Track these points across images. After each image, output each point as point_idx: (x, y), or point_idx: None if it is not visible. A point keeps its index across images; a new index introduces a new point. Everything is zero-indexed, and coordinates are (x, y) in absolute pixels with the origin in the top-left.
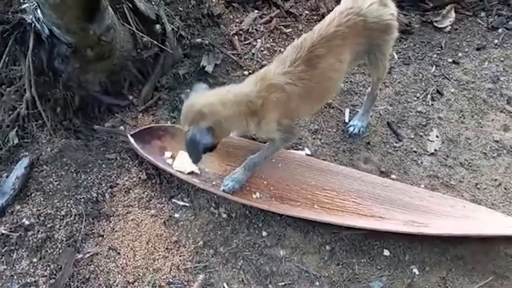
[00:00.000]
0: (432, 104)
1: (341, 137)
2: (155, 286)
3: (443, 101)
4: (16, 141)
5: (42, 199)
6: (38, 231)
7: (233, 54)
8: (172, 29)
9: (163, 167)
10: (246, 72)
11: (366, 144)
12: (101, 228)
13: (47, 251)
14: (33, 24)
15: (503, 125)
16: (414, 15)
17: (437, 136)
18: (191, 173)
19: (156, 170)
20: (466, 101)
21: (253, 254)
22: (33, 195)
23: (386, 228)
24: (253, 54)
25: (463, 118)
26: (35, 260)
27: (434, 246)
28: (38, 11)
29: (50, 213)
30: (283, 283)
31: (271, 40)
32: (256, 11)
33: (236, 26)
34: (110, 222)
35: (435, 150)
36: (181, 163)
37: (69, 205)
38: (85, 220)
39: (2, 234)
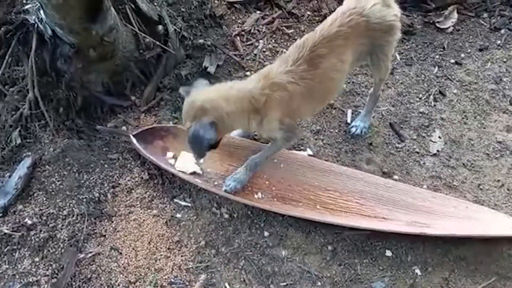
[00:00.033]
0: (434, 105)
1: (343, 138)
2: (157, 286)
3: (446, 102)
4: (19, 141)
5: (44, 198)
6: (40, 231)
7: (235, 55)
8: (175, 29)
9: (165, 167)
10: (248, 73)
11: (369, 145)
12: (103, 228)
13: (49, 250)
14: (36, 25)
15: (506, 126)
16: (416, 16)
17: (439, 137)
18: (193, 173)
19: (158, 170)
20: (469, 102)
21: (255, 254)
22: (35, 195)
23: (389, 229)
24: (255, 55)
25: (465, 119)
26: (37, 259)
27: (437, 247)
28: (41, 11)
29: (52, 213)
30: (284, 283)
31: (273, 41)
32: (258, 12)
33: (238, 27)
34: (112, 222)
35: (438, 151)
36: (183, 163)
37: (71, 205)
38: (87, 220)
39: (5, 233)
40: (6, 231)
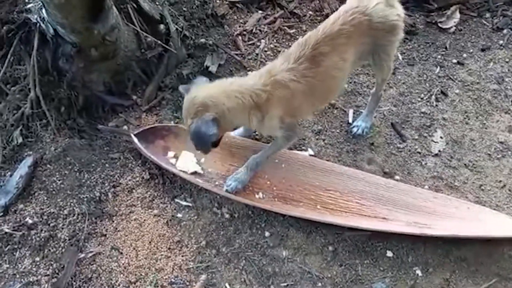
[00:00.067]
0: (436, 105)
1: (345, 138)
2: (157, 286)
3: (448, 102)
4: (20, 140)
5: (45, 198)
6: (41, 230)
7: (236, 54)
8: (176, 29)
9: (166, 167)
10: (249, 73)
11: (370, 145)
12: (104, 227)
13: (49, 250)
14: (38, 24)
15: (508, 126)
16: (418, 16)
17: (441, 137)
18: (194, 173)
19: (159, 170)
20: (471, 102)
21: (256, 254)
22: (36, 194)
23: (389, 229)
24: (257, 54)
25: (467, 119)
26: (37, 259)
27: (438, 248)
28: (43, 10)
29: (53, 212)
30: (285, 284)
31: (275, 40)
32: (260, 11)
33: (240, 26)
34: (113, 221)
35: (439, 151)
36: (184, 163)
37: (72, 204)
38: (88, 220)
39: (5, 233)
40: (7, 230)
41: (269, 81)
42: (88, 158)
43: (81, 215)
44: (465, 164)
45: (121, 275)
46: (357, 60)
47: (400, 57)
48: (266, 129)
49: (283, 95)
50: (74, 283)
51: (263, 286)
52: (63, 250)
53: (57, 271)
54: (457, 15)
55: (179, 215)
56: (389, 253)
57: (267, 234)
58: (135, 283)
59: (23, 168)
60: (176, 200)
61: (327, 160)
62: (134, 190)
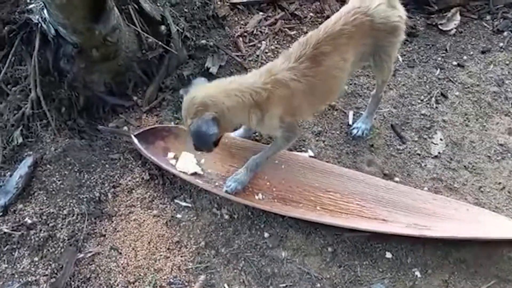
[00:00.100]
0: (436, 107)
1: (345, 139)
2: (156, 286)
3: (448, 104)
4: (20, 140)
5: (45, 198)
6: (40, 230)
7: (237, 55)
8: (177, 30)
9: (166, 167)
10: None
11: (370, 147)
12: (103, 227)
13: (48, 250)
14: (39, 24)
15: (508, 128)
16: (419, 18)
17: (441, 139)
18: (194, 174)
19: (159, 171)
20: (471, 104)
21: (255, 255)
22: (36, 194)
23: (389, 231)
24: (258, 56)
25: (467, 121)
26: (36, 259)
27: (437, 249)
28: (45, 11)
29: (52, 212)
30: (284, 285)
31: (275, 42)
32: (261, 13)
33: (241, 28)
34: (112, 222)
35: (439, 153)
36: (184, 164)
37: (71, 204)
38: (87, 220)
39: (4, 233)
40: (6, 230)
41: (269, 80)
42: (88, 158)
43: (80, 215)
44: (464, 166)
45: (120, 275)
46: (357, 61)
47: (401, 59)
48: (266, 128)
49: (284, 94)
50: (73, 283)
51: (262, 287)
52: (62, 250)
53: (55, 271)
54: (458, 17)
55: (179, 215)
56: (388, 254)
57: (266, 235)
58: (133, 283)
59: (23, 168)
60: (176, 200)
61: (327, 162)
62: (133, 191)
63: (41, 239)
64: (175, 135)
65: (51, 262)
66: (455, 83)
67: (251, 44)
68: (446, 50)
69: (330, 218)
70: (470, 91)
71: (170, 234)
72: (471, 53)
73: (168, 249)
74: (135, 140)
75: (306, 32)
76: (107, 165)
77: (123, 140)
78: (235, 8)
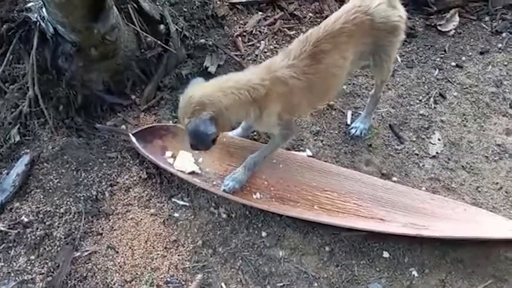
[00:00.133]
0: (434, 107)
1: (343, 139)
2: (153, 285)
3: (446, 104)
4: (17, 138)
5: (41, 196)
6: (37, 229)
7: (236, 55)
8: (176, 29)
9: (164, 166)
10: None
11: (368, 146)
12: (100, 226)
13: (45, 248)
14: (38, 23)
15: (506, 129)
16: (418, 19)
17: (439, 139)
18: (192, 172)
19: (157, 169)
20: (469, 105)
21: (252, 254)
22: (32, 192)
23: (386, 230)
24: (257, 55)
25: (465, 122)
26: (32, 257)
27: (434, 249)
28: (43, 9)
29: (49, 211)
30: (281, 284)
31: (274, 42)
32: (260, 13)
33: (240, 27)
34: (109, 220)
35: (437, 153)
36: (182, 163)
37: (68, 203)
38: (84, 218)
39: (1, 231)
40: (2, 228)
41: (268, 77)
42: (86, 157)
43: (77, 214)
44: (462, 166)
45: (117, 274)
46: (357, 60)
47: (399, 60)
48: (264, 125)
49: (283, 92)
50: (69, 281)
51: (259, 286)
52: (59, 248)
53: (52, 270)
54: (457, 18)
55: (176, 214)
56: (386, 254)
57: (264, 234)
58: (130, 282)
59: (20, 166)
60: (173, 199)
61: (325, 161)
62: (131, 189)
63: (38, 238)
64: (173, 134)
65: (47, 261)
66: (453, 83)
67: (250, 43)
68: (444, 50)
69: (327, 217)
70: (468, 92)
71: (168, 233)
72: (470, 54)
73: (165, 248)
74: (133, 139)
75: (305, 32)
76: (104, 164)
77: (121, 138)
78: (234, 8)
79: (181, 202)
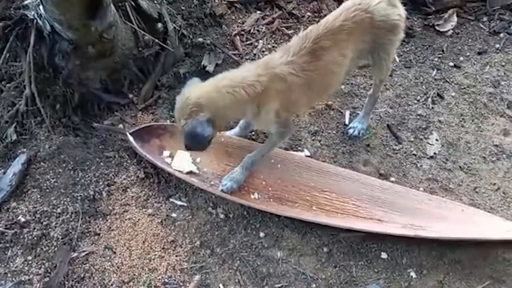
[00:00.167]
0: (432, 108)
1: (341, 139)
2: (151, 286)
3: (444, 104)
4: (14, 137)
5: (38, 196)
6: (34, 229)
7: (234, 54)
8: (174, 28)
9: (161, 166)
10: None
11: (366, 146)
12: (98, 226)
13: (42, 249)
14: (34, 20)
15: (503, 129)
16: (416, 19)
17: (437, 140)
18: (190, 172)
19: (155, 169)
20: (467, 105)
21: (250, 255)
22: (29, 192)
23: (384, 231)
24: (255, 54)
25: (463, 122)
26: (29, 258)
27: (432, 250)
28: (40, 7)
29: (46, 211)
30: (279, 285)
31: (272, 41)
32: (258, 12)
33: (238, 26)
34: (107, 220)
35: (435, 153)
36: (179, 162)
37: (65, 202)
38: (82, 218)
39: None
40: None
41: (265, 73)
42: (83, 156)
43: (74, 214)
44: (460, 167)
45: (114, 275)
46: (356, 58)
47: (397, 59)
48: (262, 122)
49: (281, 88)
50: (67, 282)
51: (257, 287)
52: (56, 249)
53: (49, 270)
54: (455, 18)
55: (174, 214)
56: (384, 255)
57: (262, 234)
58: (128, 283)
59: (16, 166)
60: (171, 199)
61: (323, 161)
62: (128, 189)
63: (35, 238)
64: (171, 133)
65: (44, 261)
66: (451, 83)
67: (248, 42)
68: (442, 51)
69: (325, 218)
70: (466, 92)
71: (165, 233)
72: (468, 54)
73: (163, 248)
74: (131, 138)
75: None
76: (101, 163)
77: (118, 138)
78: (232, 7)
79: (179, 202)
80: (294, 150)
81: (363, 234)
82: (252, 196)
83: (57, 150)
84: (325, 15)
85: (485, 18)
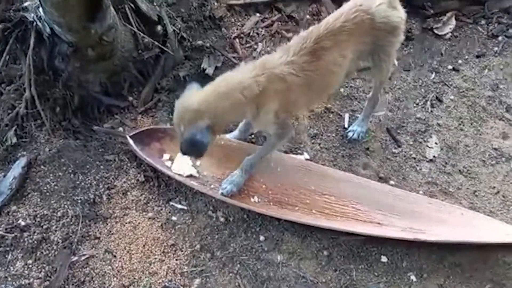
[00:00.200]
0: (431, 111)
1: (340, 142)
2: None
3: (443, 108)
4: (14, 140)
5: (38, 199)
6: (34, 232)
7: (234, 57)
8: (174, 30)
9: (161, 169)
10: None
11: (365, 150)
12: (98, 230)
13: (42, 252)
14: (34, 23)
15: (502, 132)
16: (414, 22)
17: (436, 143)
18: (190, 176)
19: (155, 172)
20: (466, 108)
21: (250, 258)
22: (29, 195)
23: (384, 234)
24: (254, 57)
25: (462, 125)
26: (30, 261)
27: (432, 253)
28: (40, 9)
29: (46, 214)
30: None
31: (272, 44)
32: (257, 14)
33: (237, 29)
34: (107, 224)
35: (434, 156)
36: (179, 166)
37: (65, 206)
38: (82, 222)
39: None
40: None
41: (263, 73)
42: (83, 159)
43: (74, 218)
44: (459, 170)
45: (115, 279)
46: (356, 59)
47: (396, 63)
48: (261, 123)
49: (280, 88)
50: (67, 286)
51: None
52: (56, 252)
53: (49, 274)
54: (453, 21)
55: (174, 218)
56: (384, 258)
57: (262, 238)
58: (128, 287)
59: (16, 169)
60: (171, 203)
61: (323, 164)
62: (128, 193)
63: (35, 242)
64: (171, 137)
65: (44, 265)
66: (450, 87)
67: (247, 45)
68: (441, 54)
69: (325, 221)
70: (465, 95)
71: (165, 237)
72: (466, 57)
73: (163, 252)
74: (130, 141)
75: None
76: (102, 167)
77: (118, 141)
78: (231, 9)
79: (179, 206)
80: (293, 153)
81: (363, 237)
82: (252, 200)
83: (57, 153)
84: (324, 18)
85: (483, 21)
